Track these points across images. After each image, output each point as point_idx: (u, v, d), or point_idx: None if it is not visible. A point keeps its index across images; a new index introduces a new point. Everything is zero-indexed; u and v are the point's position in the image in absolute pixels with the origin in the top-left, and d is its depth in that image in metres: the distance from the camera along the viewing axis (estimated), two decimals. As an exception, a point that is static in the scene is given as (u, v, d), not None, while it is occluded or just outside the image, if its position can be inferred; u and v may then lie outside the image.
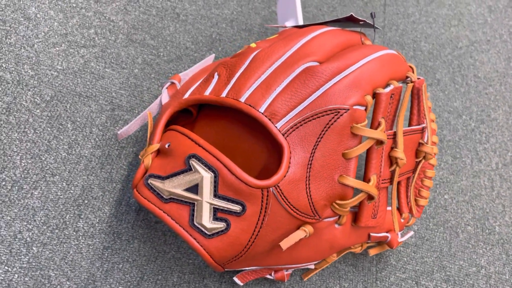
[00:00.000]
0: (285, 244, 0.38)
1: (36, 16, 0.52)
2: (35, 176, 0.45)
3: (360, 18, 0.45)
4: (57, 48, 0.52)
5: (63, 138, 0.48)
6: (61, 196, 0.45)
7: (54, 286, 0.42)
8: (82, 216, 0.45)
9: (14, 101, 0.48)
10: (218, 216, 0.37)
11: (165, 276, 0.46)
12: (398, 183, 0.47)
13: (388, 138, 0.41)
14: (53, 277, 0.43)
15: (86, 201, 0.46)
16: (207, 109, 0.46)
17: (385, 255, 0.53)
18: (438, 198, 0.58)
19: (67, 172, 0.47)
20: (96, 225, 0.46)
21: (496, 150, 0.64)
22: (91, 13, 0.55)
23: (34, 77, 0.49)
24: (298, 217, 0.38)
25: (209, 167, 0.36)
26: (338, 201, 0.39)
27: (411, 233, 0.49)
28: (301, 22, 0.53)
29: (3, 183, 0.44)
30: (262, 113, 0.38)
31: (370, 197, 0.41)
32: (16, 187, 0.44)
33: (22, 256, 0.42)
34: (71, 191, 0.46)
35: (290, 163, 0.37)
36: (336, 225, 0.42)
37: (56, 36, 0.52)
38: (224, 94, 0.40)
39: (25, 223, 0.44)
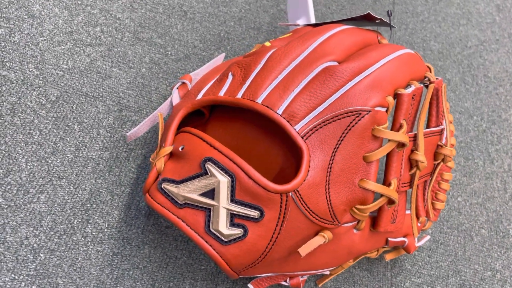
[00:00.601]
0: (304, 250, 0.36)
1: (40, 14, 0.51)
2: (41, 179, 0.44)
3: (377, 17, 0.43)
4: (62, 47, 0.50)
5: (69, 140, 0.46)
6: (69, 200, 0.44)
7: (63, 294, 0.41)
8: (90, 221, 0.44)
9: (18, 102, 0.46)
10: (235, 222, 0.35)
11: (177, 283, 0.44)
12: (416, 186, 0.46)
13: (409, 141, 0.40)
14: (61, 285, 0.41)
15: (94, 206, 0.44)
16: (220, 110, 0.44)
17: (399, 260, 0.52)
18: (451, 200, 0.57)
19: (74, 175, 0.45)
20: (105, 230, 0.44)
21: (508, 152, 0.63)
22: (96, 11, 0.53)
23: (39, 77, 0.48)
24: (317, 223, 0.37)
25: (226, 171, 0.35)
26: (358, 206, 0.38)
27: (428, 237, 0.48)
28: (313, 21, 0.52)
29: (9, 187, 0.43)
30: (280, 115, 0.37)
31: (390, 202, 0.40)
32: (22, 191, 0.43)
33: (29, 263, 0.41)
34: (79, 195, 0.44)
35: (309, 166, 0.36)
36: (355, 230, 0.41)
37: (61, 34, 0.51)
38: (239, 95, 0.38)
39: (32, 229, 0.42)
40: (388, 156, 0.40)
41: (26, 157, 0.44)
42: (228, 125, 0.43)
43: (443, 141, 0.45)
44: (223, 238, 0.35)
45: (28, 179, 0.43)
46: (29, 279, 0.40)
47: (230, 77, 0.41)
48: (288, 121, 0.37)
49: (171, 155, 0.39)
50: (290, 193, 0.35)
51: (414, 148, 0.41)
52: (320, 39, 0.41)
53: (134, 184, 0.46)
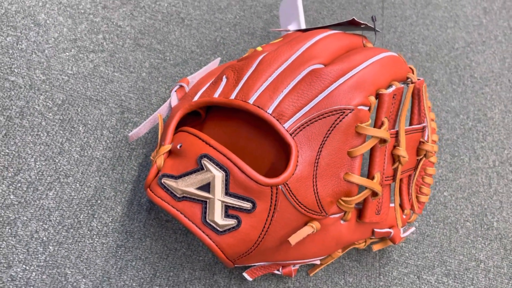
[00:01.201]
0: (293, 239, 0.39)
1: (46, 22, 0.54)
2: (49, 177, 0.47)
3: (362, 22, 0.46)
4: (67, 53, 0.53)
5: (75, 141, 0.49)
6: (75, 197, 0.47)
7: (71, 283, 0.44)
8: (95, 216, 0.47)
9: (27, 105, 0.49)
10: (230, 213, 0.38)
11: (177, 273, 0.47)
12: (400, 180, 0.49)
13: (390, 137, 0.43)
14: (69, 275, 0.44)
15: (99, 201, 0.48)
16: (215, 111, 0.47)
17: (387, 251, 0.54)
18: (437, 195, 0.60)
19: (80, 174, 0.48)
20: (109, 224, 0.47)
21: (493, 148, 0.66)
22: (99, 19, 0.57)
23: (45, 82, 0.51)
24: (305, 214, 0.40)
25: (221, 167, 0.38)
26: (343, 198, 0.41)
27: (413, 229, 0.51)
28: (303, 26, 0.55)
29: (19, 184, 0.46)
30: (270, 114, 0.40)
31: (374, 194, 0.43)
32: (32, 189, 0.46)
33: (39, 255, 0.44)
34: (84, 192, 0.47)
35: (297, 161, 0.39)
36: (342, 222, 0.43)
37: (65, 42, 0.54)
38: (233, 96, 0.41)
39: (41, 223, 0.45)
40: (372, 151, 0.43)
41: (34, 157, 0.47)
42: (223, 124, 0.46)
43: (425, 138, 0.48)
44: (218, 228, 0.38)
45: (37, 178, 0.47)
46: (39, 269, 0.43)
47: (224, 80, 0.44)
48: (277, 120, 0.39)
49: (170, 152, 0.42)
50: (280, 186, 0.38)
51: (396, 144, 0.44)
52: (308, 44, 0.44)
53: (136, 181, 0.50)
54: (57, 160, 0.48)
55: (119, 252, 0.46)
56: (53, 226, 0.45)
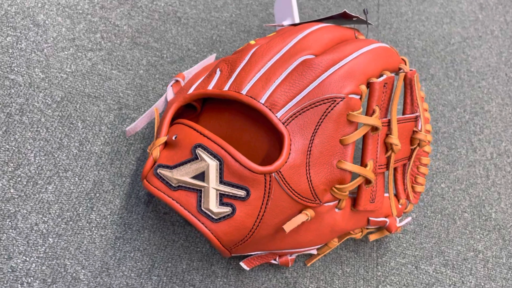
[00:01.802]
0: (288, 226, 0.39)
1: (45, 23, 0.55)
2: (48, 172, 0.48)
3: (353, 15, 0.47)
4: (66, 52, 0.54)
5: (74, 136, 0.50)
6: (74, 190, 0.48)
7: (70, 274, 0.45)
8: (94, 209, 0.48)
9: (26, 102, 0.50)
10: (224, 201, 0.39)
11: (175, 264, 0.48)
12: (395, 170, 0.49)
13: (383, 125, 0.44)
14: (68, 266, 0.45)
15: (97, 195, 0.48)
16: (210, 103, 0.48)
17: (385, 241, 0.55)
18: (435, 187, 0.60)
19: (79, 168, 0.49)
20: (108, 216, 0.48)
21: (491, 141, 0.67)
22: (96, 19, 0.58)
23: (44, 80, 0.52)
24: (299, 201, 0.40)
25: (215, 156, 0.39)
26: (337, 186, 0.42)
27: (409, 218, 0.51)
28: (297, 21, 0.56)
29: (19, 179, 0.47)
30: (262, 104, 0.40)
31: (367, 181, 0.43)
32: (31, 183, 0.47)
33: (39, 247, 0.45)
34: (83, 186, 0.48)
35: (290, 150, 0.39)
36: (336, 210, 0.44)
37: (64, 41, 0.55)
38: (226, 88, 0.42)
39: (41, 216, 0.46)
40: (364, 139, 0.43)
41: (34, 152, 0.48)
42: (218, 116, 0.47)
43: (419, 128, 0.48)
44: (213, 216, 0.39)
45: (37, 172, 0.47)
46: (39, 260, 0.44)
47: (218, 72, 0.45)
48: (270, 109, 0.40)
49: (166, 144, 0.43)
50: (273, 174, 0.38)
51: (388, 132, 0.44)
52: (299, 36, 0.45)
53: (133, 175, 0.50)
54: (56, 155, 0.49)
55: (118, 244, 0.47)
56: (53, 218, 0.46)
